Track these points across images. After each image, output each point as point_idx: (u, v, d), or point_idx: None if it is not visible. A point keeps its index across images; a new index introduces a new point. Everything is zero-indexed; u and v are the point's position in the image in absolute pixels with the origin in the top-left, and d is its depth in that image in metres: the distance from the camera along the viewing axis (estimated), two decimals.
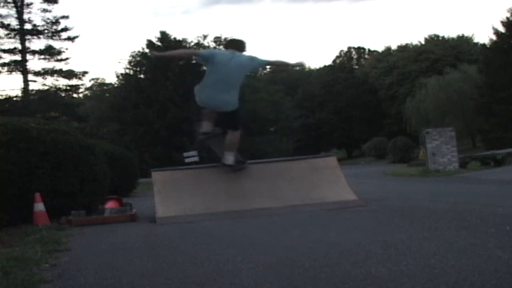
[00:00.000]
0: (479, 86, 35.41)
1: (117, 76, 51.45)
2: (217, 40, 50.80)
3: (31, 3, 40.02)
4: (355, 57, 75.41)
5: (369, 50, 75.29)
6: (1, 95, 40.27)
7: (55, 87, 42.25)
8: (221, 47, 51.01)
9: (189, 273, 3.39)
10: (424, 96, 40.10)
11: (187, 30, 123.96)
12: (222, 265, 3.54)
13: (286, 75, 69.86)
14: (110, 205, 8.00)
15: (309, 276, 3.02)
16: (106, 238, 5.66)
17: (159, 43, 48.74)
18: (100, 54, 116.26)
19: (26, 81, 40.37)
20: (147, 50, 49.08)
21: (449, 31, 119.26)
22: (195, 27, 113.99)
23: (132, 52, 50.01)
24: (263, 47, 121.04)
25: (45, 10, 40.75)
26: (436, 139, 19.17)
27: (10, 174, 7.02)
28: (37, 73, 41.01)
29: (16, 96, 41.07)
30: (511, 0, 68.38)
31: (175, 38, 49.25)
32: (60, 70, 41.67)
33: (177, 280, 3.19)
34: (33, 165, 7.24)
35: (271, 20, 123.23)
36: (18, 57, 40.30)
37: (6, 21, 39.90)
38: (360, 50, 75.54)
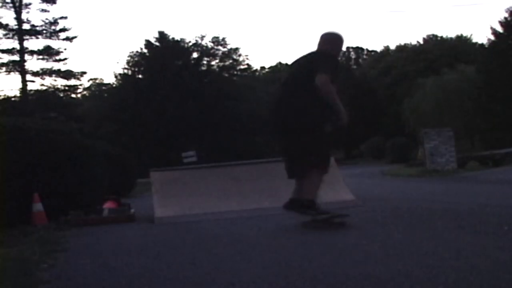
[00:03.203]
0: (478, 86, 35.48)
1: (116, 76, 51.48)
2: (215, 40, 50.81)
3: (30, 3, 40.10)
4: (353, 57, 75.43)
5: (367, 50, 75.36)
6: (0, 95, 40.29)
7: (54, 87, 42.30)
8: (219, 47, 51.13)
9: (187, 273, 3.38)
10: (422, 96, 40.14)
11: (186, 30, 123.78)
12: (221, 265, 3.54)
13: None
14: (108, 205, 7.99)
15: (307, 276, 3.02)
16: (104, 239, 5.66)
17: (157, 43, 48.76)
18: (98, 55, 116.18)
19: (24, 81, 40.39)
20: (145, 50, 49.09)
21: (448, 31, 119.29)
22: (194, 27, 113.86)
23: (130, 52, 50.05)
24: (262, 47, 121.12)
25: (43, 10, 40.81)
26: (435, 139, 19.16)
27: (8, 174, 7.01)
28: (35, 73, 41.04)
29: (14, 96, 41.12)
30: (510, 0, 68.52)
31: (173, 38, 49.29)
32: (59, 70, 41.72)
33: (175, 280, 3.19)
34: (31, 165, 7.24)
35: (270, 19, 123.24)
36: (16, 57, 40.33)
37: (4, 21, 39.93)
38: (358, 50, 75.56)
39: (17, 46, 40.11)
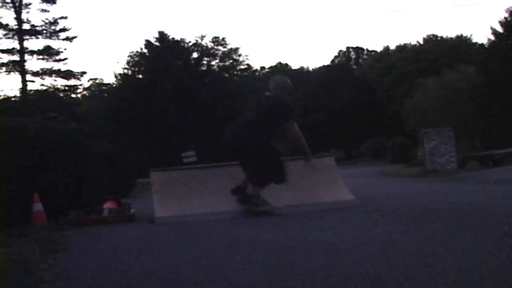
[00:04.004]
0: (478, 86, 35.48)
1: (116, 76, 51.45)
2: (215, 40, 50.81)
3: (30, 3, 40.06)
4: (353, 57, 75.41)
5: (367, 50, 75.34)
6: (0, 95, 40.27)
7: (54, 87, 42.26)
8: (219, 47, 51.11)
9: (187, 273, 3.38)
10: (422, 96, 40.15)
11: (186, 30, 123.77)
12: (221, 265, 3.54)
13: (285, 76, 69.82)
14: (108, 205, 8.00)
15: (307, 276, 3.02)
16: (104, 239, 5.66)
17: (157, 43, 48.76)
18: (98, 54, 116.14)
19: (24, 81, 40.36)
20: (145, 50, 49.08)
21: (448, 31, 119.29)
22: (194, 27, 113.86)
23: (130, 52, 50.04)
24: (262, 47, 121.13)
25: (43, 10, 40.78)
26: (435, 139, 19.16)
27: (8, 174, 7.01)
28: (35, 73, 41.01)
29: (14, 96, 41.08)
30: (510, 0, 68.50)
31: (173, 38, 49.29)
32: (59, 70, 41.68)
33: (175, 280, 3.19)
34: (31, 165, 7.23)
35: (270, 19, 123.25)
36: (16, 57, 40.30)
37: (4, 21, 39.90)
38: (358, 50, 75.54)
39: (17, 46, 40.06)
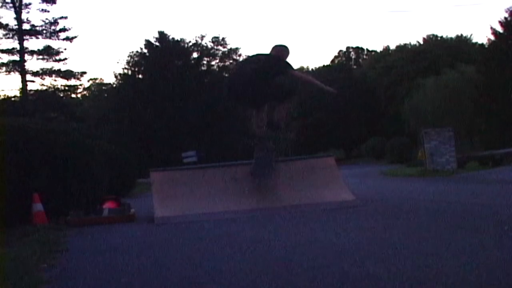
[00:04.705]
0: (478, 86, 35.45)
1: (116, 76, 51.39)
2: (215, 40, 50.83)
3: (30, 3, 40.00)
4: (353, 57, 75.42)
5: (367, 50, 75.35)
6: (0, 95, 40.28)
7: (54, 87, 42.23)
8: (219, 47, 51.09)
9: (187, 273, 3.38)
10: (422, 96, 40.11)
11: (186, 30, 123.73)
12: (220, 265, 3.53)
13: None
14: (109, 205, 7.99)
15: (307, 276, 3.02)
16: (104, 238, 5.65)
17: (157, 43, 48.76)
18: (98, 54, 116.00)
19: (24, 81, 40.33)
20: (145, 50, 49.08)
21: (448, 31, 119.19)
22: (194, 27, 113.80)
23: (130, 52, 50.01)
24: (263, 47, 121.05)
25: (43, 10, 40.76)
26: (435, 139, 19.17)
27: (8, 174, 7.01)
28: (35, 73, 40.98)
29: (14, 96, 41.05)
30: (510, 0, 68.46)
31: (173, 38, 49.29)
32: (59, 70, 41.66)
33: (175, 280, 3.19)
34: (31, 165, 7.23)
35: (270, 20, 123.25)
36: (16, 57, 40.25)
37: (4, 21, 39.90)
38: (358, 50, 75.55)
39: (17, 46, 40.02)
